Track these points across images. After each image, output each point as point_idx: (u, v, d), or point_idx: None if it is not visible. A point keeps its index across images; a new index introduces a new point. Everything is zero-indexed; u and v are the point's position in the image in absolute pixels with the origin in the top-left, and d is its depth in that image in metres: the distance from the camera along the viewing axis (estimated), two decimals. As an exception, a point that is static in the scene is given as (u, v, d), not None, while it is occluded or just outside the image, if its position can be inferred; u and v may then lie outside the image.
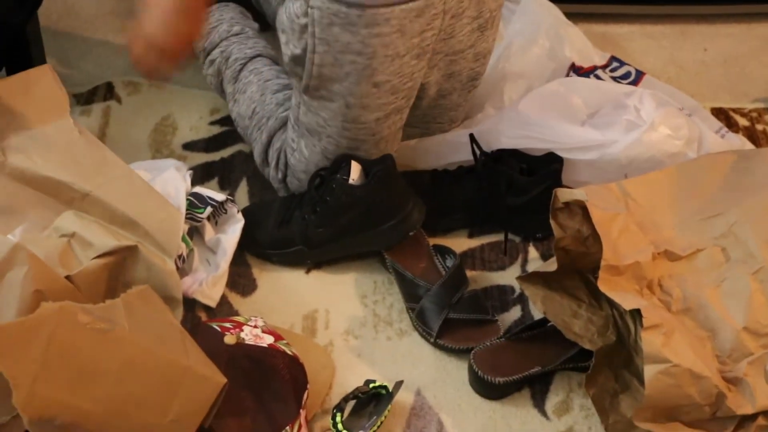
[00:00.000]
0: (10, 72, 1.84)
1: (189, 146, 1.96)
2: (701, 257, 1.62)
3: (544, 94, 1.94)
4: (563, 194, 1.57)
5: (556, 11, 2.11)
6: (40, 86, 1.78)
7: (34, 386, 1.34)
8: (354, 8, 1.67)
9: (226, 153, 1.97)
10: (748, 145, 1.95)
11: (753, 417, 1.47)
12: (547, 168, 1.80)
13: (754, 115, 2.11)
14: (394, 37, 1.69)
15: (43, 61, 1.95)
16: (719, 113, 2.06)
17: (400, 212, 1.72)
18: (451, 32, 1.81)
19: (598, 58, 2.08)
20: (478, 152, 1.83)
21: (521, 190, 1.81)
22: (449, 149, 1.92)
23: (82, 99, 2.05)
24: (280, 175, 1.87)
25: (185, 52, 1.65)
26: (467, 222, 1.83)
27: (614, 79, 2.07)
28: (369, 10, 1.66)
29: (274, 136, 1.90)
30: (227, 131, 1.99)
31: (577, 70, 2.04)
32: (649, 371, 1.40)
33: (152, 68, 1.65)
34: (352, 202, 1.70)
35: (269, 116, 1.91)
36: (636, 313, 1.45)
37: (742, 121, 2.08)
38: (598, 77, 2.05)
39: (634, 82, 2.04)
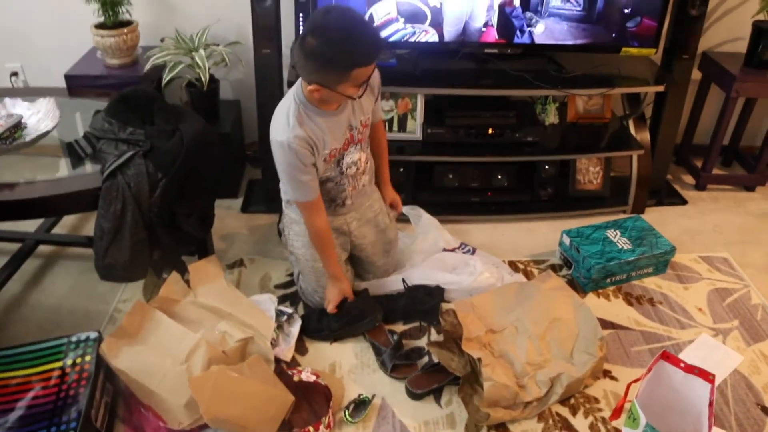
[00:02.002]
0: (200, 256, 1.99)
1: (277, 286, 2.13)
2: (506, 331, 1.82)
3: (433, 259, 2.13)
4: (445, 306, 1.88)
5: (435, 221, 2.27)
6: (210, 264, 1.86)
7: (209, 403, 1.51)
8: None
9: (292, 290, 2.11)
10: (524, 279, 2.17)
11: (529, 403, 1.69)
12: (437, 293, 2.01)
13: (527, 264, 2.30)
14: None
15: (212, 251, 2.12)
16: (510, 263, 2.26)
17: (372, 315, 1.91)
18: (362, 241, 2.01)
19: (455, 243, 2.26)
20: (405, 285, 2.02)
21: (424, 304, 1.98)
22: (391, 284, 2.06)
23: (229, 266, 2.21)
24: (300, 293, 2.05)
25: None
26: (403, 316, 2.00)
27: (463, 251, 2.24)
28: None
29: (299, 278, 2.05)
30: (293, 280, 2.13)
31: (446, 249, 2.22)
32: (486, 384, 1.63)
33: (328, 303, 1.89)
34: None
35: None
36: (479, 359, 1.66)
37: (521, 267, 2.27)
38: (455, 252, 2.22)
39: (472, 252, 2.24)
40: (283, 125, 1.66)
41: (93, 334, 1.70)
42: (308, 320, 1.93)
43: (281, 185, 1.79)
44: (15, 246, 2.18)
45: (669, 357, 1.53)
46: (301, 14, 2.23)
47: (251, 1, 2.20)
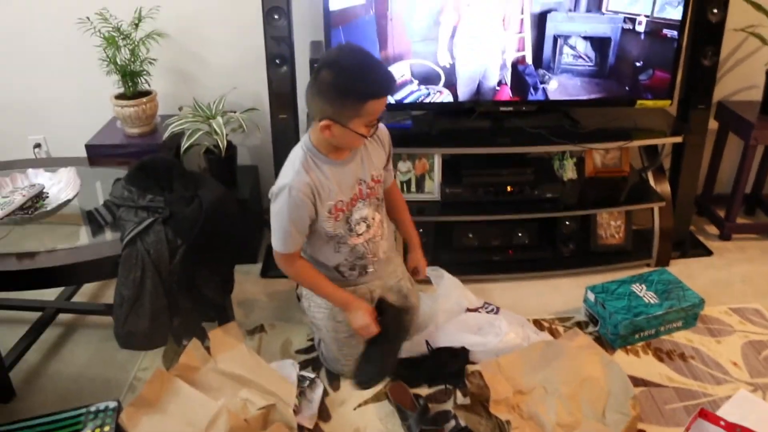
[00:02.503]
0: (221, 322, 1.97)
1: (298, 351, 2.11)
2: (534, 392, 1.78)
3: (458, 320, 2.12)
4: (471, 368, 1.82)
5: (457, 281, 2.25)
6: (231, 330, 1.85)
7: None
8: None
9: (313, 354, 2.08)
10: (549, 337, 2.13)
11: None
12: (462, 355, 1.97)
13: (552, 322, 2.26)
14: None
15: (232, 317, 2.10)
16: (535, 322, 2.22)
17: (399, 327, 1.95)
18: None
19: (478, 302, 2.23)
20: (429, 348, 2.01)
21: (450, 366, 1.95)
22: (415, 347, 2.04)
23: (249, 332, 2.19)
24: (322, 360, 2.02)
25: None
26: (428, 380, 1.95)
27: (487, 311, 2.21)
28: None
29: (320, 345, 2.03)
30: (314, 345, 2.11)
31: (469, 309, 2.19)
32: None
33: (366, 332, 1.81)
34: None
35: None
36: (508, 422, 1.65)
37: (546, 325, 2.23)
38: (479, 311, 2.19)
39: (496, 311, 2.21)
40: (289, 171, 1.68)
41: (112, 404, 1.69)
42: (363, 371, 1.86)
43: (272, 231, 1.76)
44: (35, 315, 2.18)
45: (708, 415, 1.48)
46: (316, 79, 2.28)
47: (267, 68, 2.27)
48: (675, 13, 2.31)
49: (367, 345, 1.87)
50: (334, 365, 1.98)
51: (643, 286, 2.25)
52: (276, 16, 2.21)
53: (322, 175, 1.70)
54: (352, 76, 1.55)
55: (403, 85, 2.34)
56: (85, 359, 2.08)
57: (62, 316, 2.25)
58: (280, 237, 1.73)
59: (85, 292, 2.42)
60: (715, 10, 2.36)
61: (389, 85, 1.61)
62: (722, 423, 1.46)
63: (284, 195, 1.66)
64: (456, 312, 2.13)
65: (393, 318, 1.88)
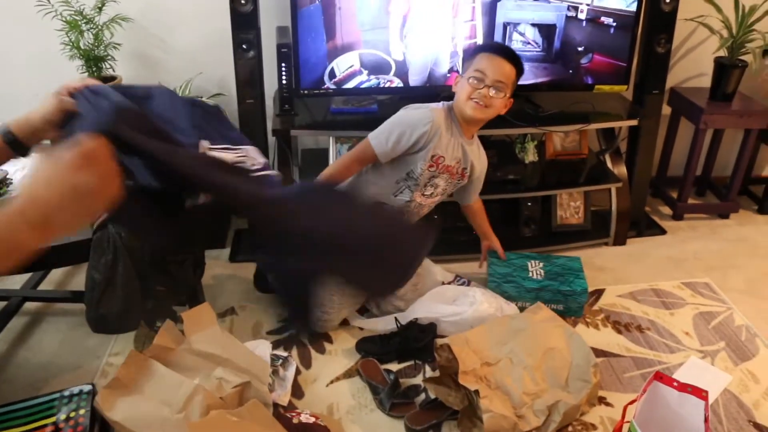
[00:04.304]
0: (191, 305, 1.96)
1: (269, 332, 2.14)
2: (501, 363, 1.84)
3: (433, 292, 2.18)
4: (440, 341, 1.85)
5: (427, 260, 2.30)
6: (204, 312, 1.87)
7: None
8: None
9: (285, 335, 2.13)
10: (517, 310, 2.17)
11: None
12: (431, 330, 2.03)
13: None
14: None
15: (203, 301, 2.08)
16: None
17: None
18: None
19: (450, 276, 2.30)
20: (398, 325, 2.06)
21: (419, 342, 2.01)
22: (385, 324, 2.12)
23: (221, 314, 2.22)
24: None
25: None
26: (398, 355, 2.01)
27: (458, 284, 2.27)
28: None
29: None
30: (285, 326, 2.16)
31: (444, 283, 2.25)
32: (485, 416, 1.65)
33: None
34: None
35: None
36: (476, 392, 1.69)
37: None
38: (452, 284, 2.25)
39: (467, 284, 2.27)
40: (433, 107, 1.97)
41: (86, 387, 1.68)
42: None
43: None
44: (0, 304, 2.16)
45: (662, 377, 1.58)
46: (283, 64, 2.30)
47: (234, 53, 2.28)
48: (614, 2, 2.40)
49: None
50: (315, 312, 2.02)
51: (541, 263, 2.33)
52: (243, 1, 2.21)
53: (445, 131, 1.96)
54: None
55: (353, 75, 2.36)
56: (54, 347, 2.07)
57: (29, 305, 2.23)
58: (382, 131, 1.96)
59: (51, 280, 2.40)
60: (668, 0, 2.47)
61: (498, 47, 1.98)
62: (675, 384, 1.56)
63: (421, 112, 1.94)
64: (431, 286, 2.19)
65: None
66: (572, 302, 2.21)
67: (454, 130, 2.01)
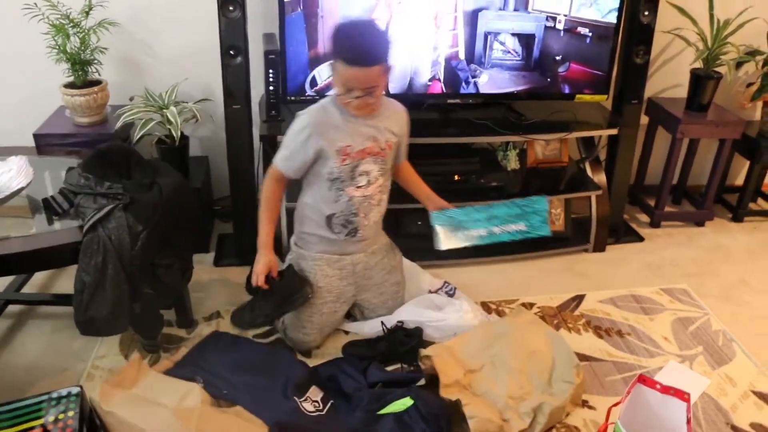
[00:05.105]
0: (177, 309, 2.03)
1: (256, 336, 2.14)
2: (484, 368, 1.87)
3: (420, 299, 2.20)
4: (422, 351, 1.87)
5: (415, 265, 2.35)
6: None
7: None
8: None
9: (271, 338, 2.11)
10: (497, 318, 2.24)
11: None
12: (416, 334, 2.06)
13: (498, 304, 2.37)
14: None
15: (189, 305, 2.12)
16: (482, 304, 2.33)
17: (302, 290, 2.02)
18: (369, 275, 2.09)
19: (438, 283, 2.32)
20: (384, 329, 2.08)
21: (404, 346, 2.02)
22: (371, 328, 2.13)
23: (206, 318, 2.22)
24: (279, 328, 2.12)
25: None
26: (384, 359, 2.00)
27: (446, 290, 2.28)
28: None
29: None
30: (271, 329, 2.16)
31: (431, 291, 2.28)
32: (471, 422, 1.66)
33: (255, 277, 1.93)
34: None
35: None
36: (458, 400, 1.70)
37: (493, 307, 2.34)
38: (438, 293, 2.27)
39: (453, 291, 2.29)
40: (315, 105, 1.92)
41: (75, 389, 1.67)
42: (241, 314, 1.99)
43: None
44: (-17, 308, 2.17)
45: (646, 380, 1.62)
46: (270, 70, 2.32)
47: (221, 58, 2.30)
48: (592, 14, 2.46)
49: (261, 296, 1.98)
50: (296, 335, 2.03)
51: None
52: (231, 8, 2.23)
53: (338, 119, 1.87)
54: (334, 34, 1.77)
55: (329, 87, 2.37)
56: (38, 350, 2.06)
57: (12, 308, 2.22)
58: (280, 152, 1.94)
59: (34, 283, 2.39)
60: (647, 12, 2.54)
61: (353, 57, 1.73)
62: (658, 387, 1.60)
63: (299, 119, 1.89)
64: (417, 293, 2.22)
65: (285, 287, 1.97)
66: (532, 217, 2.07)
67: (349, 117, 1.89)
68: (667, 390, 1.59)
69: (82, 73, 2.41)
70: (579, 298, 2.39)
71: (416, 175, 2.20)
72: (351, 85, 1.77)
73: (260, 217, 1.98)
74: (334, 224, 1.98)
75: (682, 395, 1.56)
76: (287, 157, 1.92)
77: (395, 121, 1.98)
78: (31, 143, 2.37)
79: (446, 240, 2.03)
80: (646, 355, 2.11)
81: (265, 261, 1.94)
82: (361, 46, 1.75)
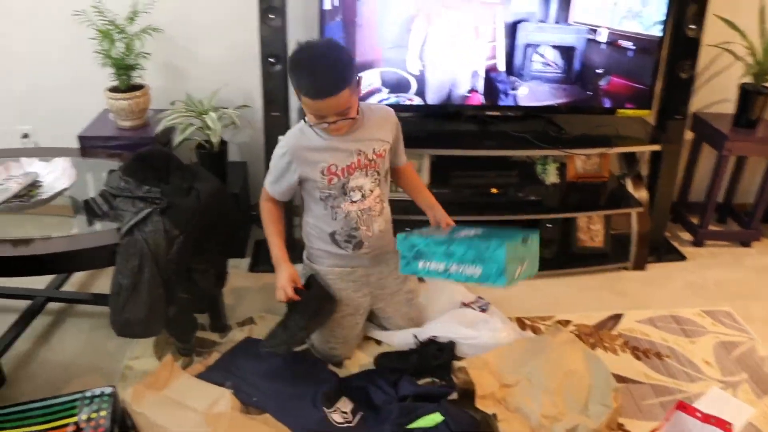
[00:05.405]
0: (211, 314, 2.05)
1: None
2: (520, 384, 1.85)
3: (456, 312, 2.17)
4: (457, 364, 1.88)
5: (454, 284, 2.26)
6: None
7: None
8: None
9: (303, 347, 2.04)
10: (533, 335, 2.22)
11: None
12: (449, 348, 2.03)
13: (533, 320, 2.33)
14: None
15: (223, 309, 2.18)
16: (517, 320, 2.29)
17: (330, 301, 1.99)
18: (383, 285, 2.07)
19: (471, 296, 2.27)
20: (416, 341, 2.07)
21: (436, 360, 2.00)
22: (402, 340, 2.11)
23: (239, 324, 2.23)
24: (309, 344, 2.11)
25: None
26: (415, 373, 1.97)
27: (479, 305, 2.22)
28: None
29: None
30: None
31: (464, 303, 2.23)
32: None
33: (280, 294, 1.87)
34: None
35: None
36: (494, 415, 1.71)
37: (528, 323, 2.31)
38: (472, 307, 2.21)
39: (486, 306, 2.23)
40: (293, 128, 1.90)
41: (108, 389, 1.71)
42: (273, 337, 1.88)
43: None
44: (24, 303, 2.20)
45: (686, 407, 1.57)
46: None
47: (261, 66, 2.32)
48: (635, 27, 2.41)
49: (288, 312, 1.91)
50: (324, 348, 2.02)
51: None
52: (271, 16, 2.26)
53: (317, 141, 1.83)
54: (290, 68, 1.73)
55: (373, 93, 2.39)
56: (75, 348, 2.10)
57: (51, 305, 2.27)
58: (268, 175, 1.94)
59: (73, 282, 2.43)
60: (693, 26, 2.49)
61: (314, 91, 1.67)
62: (698, 414, 1.55)
63: (279, 144, 1.89)
64: (449, 307, 2.18)
65: (314, 296, 1.93)
66: (488, 264, 1.63)
67: (327, 136, 1.82)
68: (708, 419, 1.53)
69: (125, 78, 2.46)
70: (617, 317, 2.33)
71: (419, 181, 2.17)
72: (322, 114, 1.73)
73: (267, 235, 1.96)
74: (338, 240, 1.94)
75: (724, 425, 1.50)
76: (273, 182, 1.93)
77: (381, 127, 1.91)
78: (71, 144, 2.41)
79: (406, 267, 1.78)
80: (686, 379, 2.05)
81: (286, 274, 1.89)
82: (320, 80, 1.67)
